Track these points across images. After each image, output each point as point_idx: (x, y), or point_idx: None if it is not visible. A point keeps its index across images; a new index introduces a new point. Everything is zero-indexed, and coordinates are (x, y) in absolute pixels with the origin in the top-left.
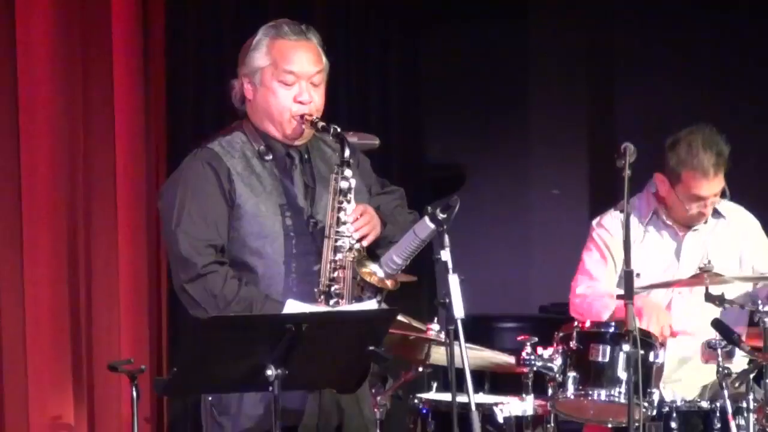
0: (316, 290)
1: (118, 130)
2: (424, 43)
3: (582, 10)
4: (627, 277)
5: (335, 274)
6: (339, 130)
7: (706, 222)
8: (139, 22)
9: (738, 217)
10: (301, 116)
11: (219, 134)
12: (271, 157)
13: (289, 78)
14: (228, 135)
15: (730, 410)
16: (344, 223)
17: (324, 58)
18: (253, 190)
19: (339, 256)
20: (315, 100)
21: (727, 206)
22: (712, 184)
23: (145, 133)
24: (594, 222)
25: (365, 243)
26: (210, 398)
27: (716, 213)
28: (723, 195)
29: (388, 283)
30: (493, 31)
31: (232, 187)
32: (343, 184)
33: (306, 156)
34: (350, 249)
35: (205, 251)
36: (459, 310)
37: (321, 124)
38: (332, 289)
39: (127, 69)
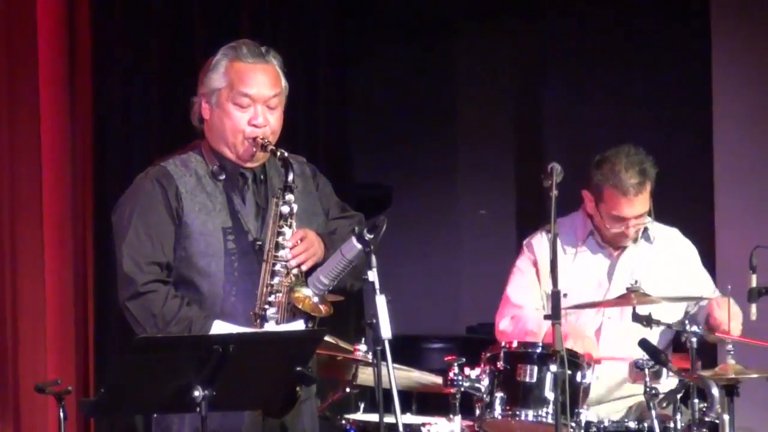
0: (252, 313)
1: (45, 148)
2: (352, 62)
3: (510, 33)
4: (554, 298)
5: (271, 298)
6: (286, 154)
7: (635, 241)
8: (66, 42)
9: (672, 241)
10: (254, 139)
11: (176, 153)
12: (224, 176)
13: (244, 100)
14: (184, 154)
15: (657, 430)
16: (283, 248)
17: (283, 81)
18: (201, 209)
19: (276, 280)
20: (270, 123)
21: (661, 229)
22: (634, 205)
23: (71, 152)
24: (524, 242)
25: (304, 268)
26: (155, 414)
27: (647, 236)
28: (648, 214)
29: (322, 308)
30: (421, 51)
31: (180, 205)
32: (284, 209)
33: (262, 177)
34: (287, 274)
35: (148, 269)
36: (386, 331)
37: (271, 147)
38: (268, 312)
39: (52, 91)
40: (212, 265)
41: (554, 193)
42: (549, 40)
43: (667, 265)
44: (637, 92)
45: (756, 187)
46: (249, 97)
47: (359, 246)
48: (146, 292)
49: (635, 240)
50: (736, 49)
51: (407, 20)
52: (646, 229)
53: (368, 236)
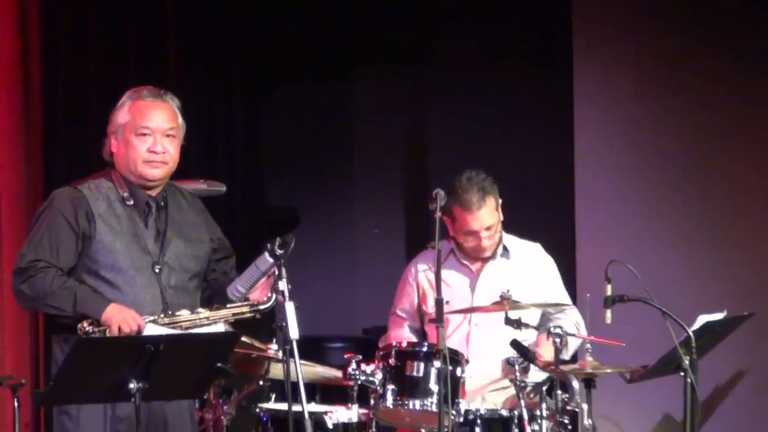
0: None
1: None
2: (264, 101)
3: (400, 75)
4: (438, 305)
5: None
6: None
7: (494, 257)
8: (19, 78)
9: (532, 256)
10: (150, 162)
11: (90, 178)
12: (132, 202)
13: (144, 131)
14: (96, 179)
15: (526, 417)
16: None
17: (180, 119)
18: (112, 229)
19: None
20: (169, 151)
21: (523, 245)
22: (479, 219)
23: (25, 157)
24: (411, 262)
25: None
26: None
27: (506, 252)
28: (509, 238)
29: None
30: (324, 90)
31: (92, 225)
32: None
33: (162, 204)
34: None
35: (41, 264)
36: (294, 332)
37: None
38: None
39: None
40: (118, 279)
41: (438, 214)
42: (434, 81)
43: (525, 278)
44: (506, 124)
45: (613, 207)
46: (148, 129)
47: (271, 260)
48: (40, 269)
49: (493, 255)
50: (596, 76)
51: (311, 63)
52: (505, 247)
53: (279, 251)
